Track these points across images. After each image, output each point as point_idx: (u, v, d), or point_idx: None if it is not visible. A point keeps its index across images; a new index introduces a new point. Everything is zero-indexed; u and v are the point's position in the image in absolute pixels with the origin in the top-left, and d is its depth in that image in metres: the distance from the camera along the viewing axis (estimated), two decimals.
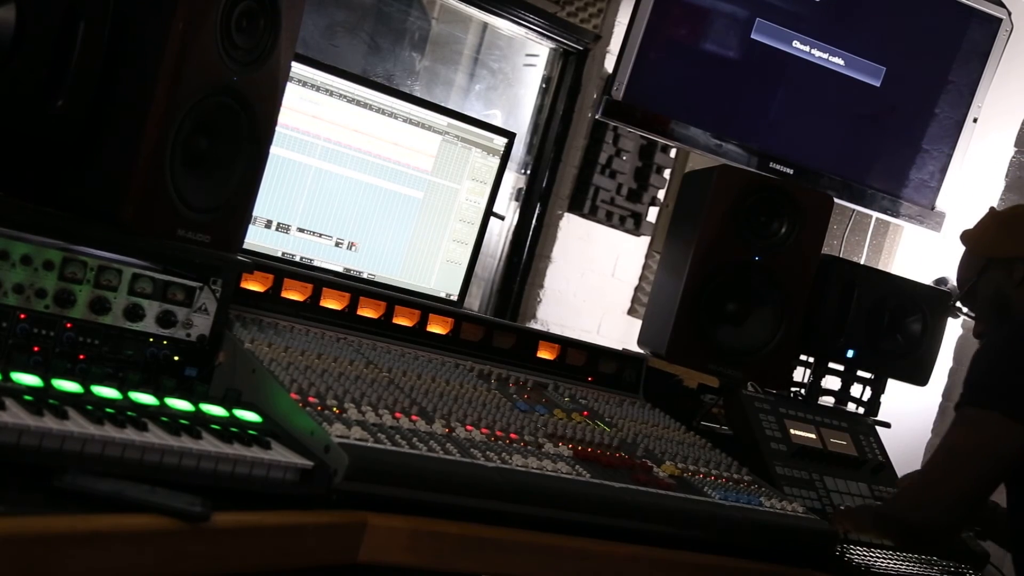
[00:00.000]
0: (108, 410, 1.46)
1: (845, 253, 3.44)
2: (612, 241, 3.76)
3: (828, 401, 2.92)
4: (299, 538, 1.52)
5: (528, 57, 3.72)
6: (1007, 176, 3.32)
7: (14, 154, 1.70)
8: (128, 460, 1.39)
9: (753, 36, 2.99)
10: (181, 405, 1.60)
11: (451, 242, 2.48)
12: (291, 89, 2.04)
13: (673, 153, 3.76)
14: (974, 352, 2.00)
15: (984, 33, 3.22)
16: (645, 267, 3.89)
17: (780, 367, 2.71)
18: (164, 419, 1.51)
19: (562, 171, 3.65)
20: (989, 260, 2.24)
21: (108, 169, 1.73)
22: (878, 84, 3.14)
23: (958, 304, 2.36)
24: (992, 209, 2.33)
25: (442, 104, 2.56)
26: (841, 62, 3.10)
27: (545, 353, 2.39)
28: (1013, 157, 3.33)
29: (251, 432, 1.58)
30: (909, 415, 3.17)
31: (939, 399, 3.28)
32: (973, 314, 2.31)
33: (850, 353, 2.83)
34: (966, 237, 2.31)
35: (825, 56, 3.08)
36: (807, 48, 3.06)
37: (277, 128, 1.93)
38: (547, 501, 1.78)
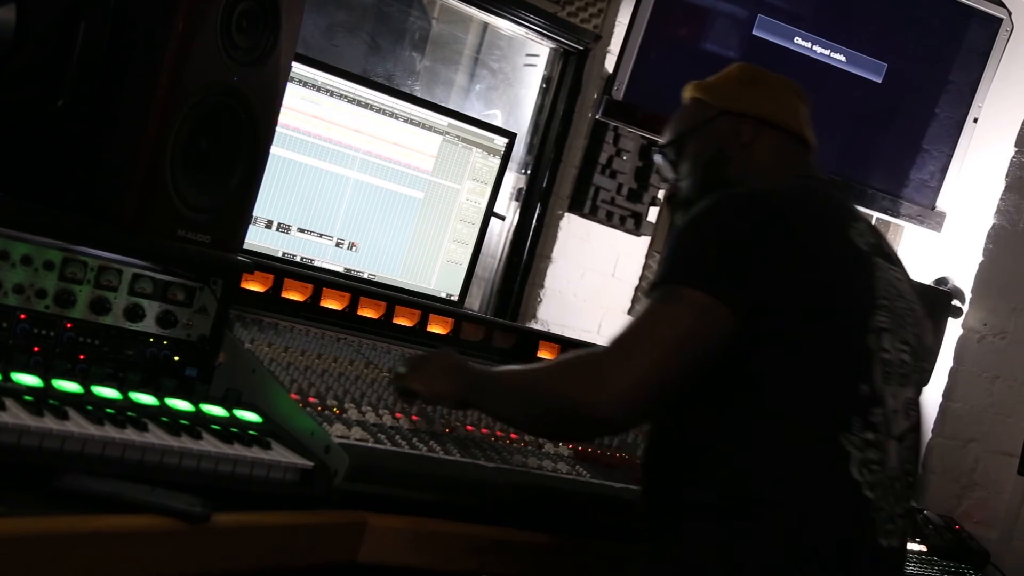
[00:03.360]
0: (108, 410, 1.46)
1: None
2: (612, 241, 3.76)
3: None
4: (299, 538, 1.52)
5: (528, 57, 3.72)
6: (1007, 176, 3.32)
7: (14, 154, 1.70)
8: (128, 460, 1.39)
9: (755, 32, 2.99)
10: (181, 405, 1.60)
11: (451, 242, 2.48)
12: (291, 89, 2.04)
13: None
14: (676, 227, 1.67)
15: (984, 33, 3.22)
16: (645, 267, 3.89)
17: None
18: (164, 419, 1.51)
19: (562, 171, 3.65)
20: (722, 112, 1.86)
21: (108, 169, 1.73)
22: (879, 80, 3.14)
23: (658, 153, 1.95)
24: (741, 64, 1.99)
25: (442, 104, 2.56)
26: (843, 58, 3.10)
27: (545, 353, 2.39)
28: (1013, 157, 3.33)
29: (251, 432, 1.58)
30: None
31: (939, 399, 3.28)
32: (670, 172, 1.93)
33: None
34: (700, 85, 1.95)
35: (827, 52, 3.08)
36: (808, 44, 3.06)
37: (277, 128, 1.93)
38: (547, 501, 1.78)
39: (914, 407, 1.68)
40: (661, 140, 1.96)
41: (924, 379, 1.73)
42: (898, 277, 1.72)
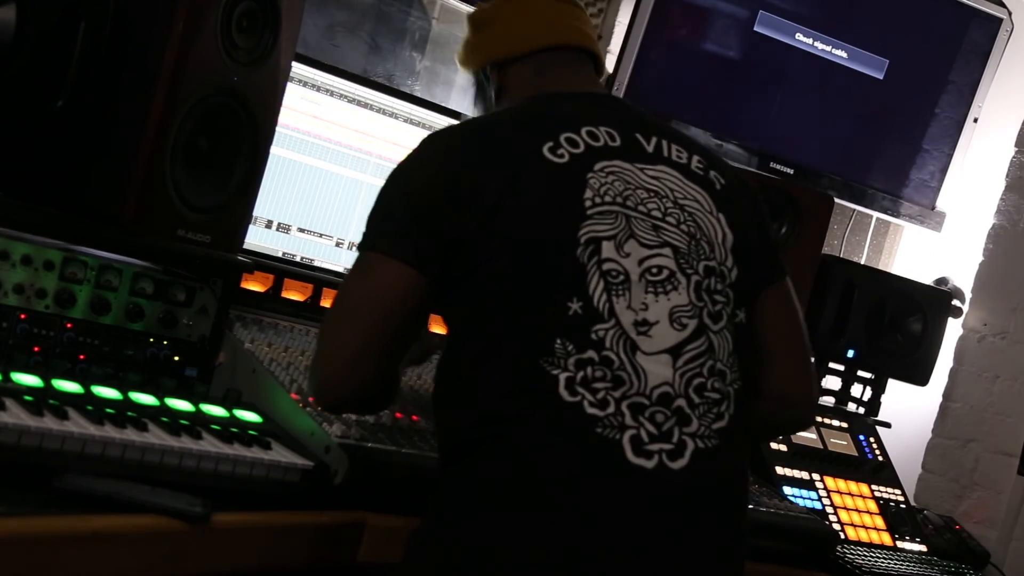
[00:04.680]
0: (108, 410, 1.46)
1: (845, 253, 3.43)
2: None
3: (828, 401, 2.92)
4: (299, 538, 1.52)
5: None
6: (1007, 176, 3.32)
7: (14, 154, 1.70)
8: (128, 461, 1.39)
9: (756, 28, 2.99)
10: (181, 405, 1.60)
11: None
12: (291, 89, 2.04)
13: None
14: None
15: (985, 33, 3.22)
16: None
17: None
18: (164, 419, 1.51)
19: None
20: (474, 73, 1.81)
21: (108, 169, 1.73)
22: (881, 77, 3.13)
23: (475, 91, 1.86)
24: (470, 13, 1.86)
25: (443, 104, 2.55)
26: (844, 55, 3.10)
27: None
28: (1013, 157, 3.33)
29: (251, 432, 1.58)
30: (909, 415, 3.17)
31: (939, 399, 3.28)
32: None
33: (850, 353, 2.83)
34: (457, 56, 1.86)
35: (828, 48, 3.08)
36: (810, 40, 3.06)
37: (277, 128, 1.93)
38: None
39: (693, 315, 1.52)
40: None
41: (727, 283, 1.58)
42: (661, 173, 1.60)
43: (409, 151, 1.59)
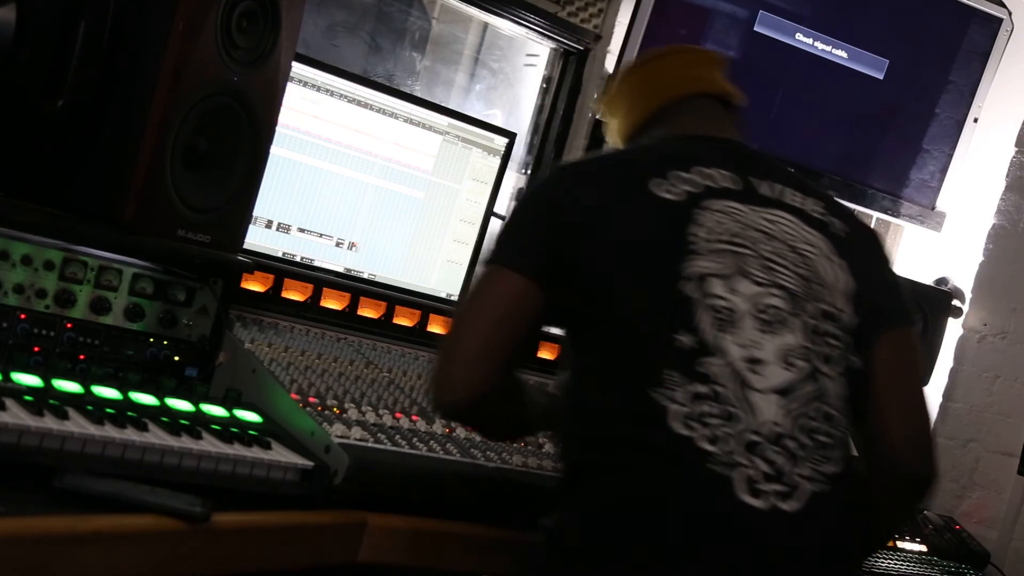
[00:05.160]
0: (108, 410, 1.46)
1: None
2: None
3: None
4: (299, 538, 1.52)
5: (528, 57, 3.72)
6: (1007, 176, 3.32)
7: (14, 154, 1.71)
8: (128, 460, 1.39)
9: (756, 29, 2.99)
10: (181, 405, 1.60)
11: (452, 242, 2.48)
12: (291, 89, 2.04)
13: None
14: None
15: (985, 33, 3.22)
16: None
17: None
18: (164, 419, 1.51)
19: None
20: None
21: (108, 169, 1.73)
22: (881, 77, 3.13)
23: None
24: (615, 75, 1.92)
25: (443, 104, 2.55)
26: (844, 55, 3.10)
27: (545, 353, 2.39)
28: (1013, 157, 3.33)
29: (251, 432, 1.58)
30: None
31: (939, 399, 3.28)
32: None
33: None
34: (601, 102, 1.94)
35: (828, 48, 3.08)
36: (810, 40, 3.06)
37: (277, 128, 1.93)
38: (547, 501, 1.78)
39: (804, 357, 1.51)
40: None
41: (843, 327, 1.56)
42: (775, 218, 1.61)
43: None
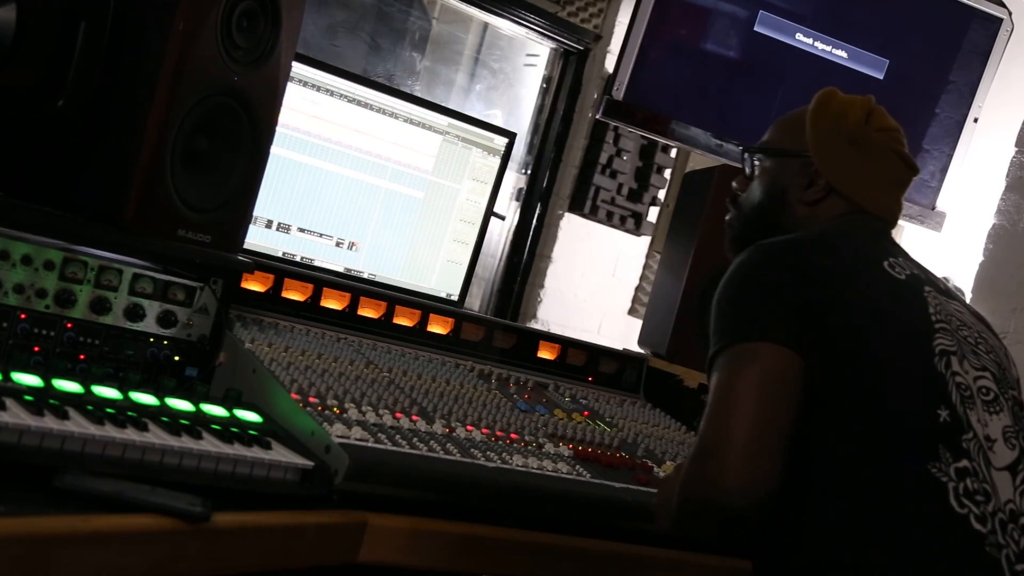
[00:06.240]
0: (109, 410, 1.46)
1: None
2: (612, 241, 3.76)
3: None
4: (299, 538, 1.52)
5: (528, 57, 3.72)
6: (1007, 176, 3.32)
7: (14, 154, 1.70)
8: (129, 460, 1.39)
9: (756, 28, 2.99)
10: (182, 405, 1.60)
11: (452, 242, 2.48)
12: (291, 89, 2.04)
13: (674, 153, 3.77)
14: (716, 295, 1.59)
15: (985, 33, 3.22)
16: (645, 267, 3.89)
17: None
18: (165, 419, 1.51)
19: (562, 171, 3.66)
20: (805, 155, 1.75)
21: (108, 169, 1.73)
22: (881, 77, 3.13)
23: (748, 156, 1.84)
24: (860, 112, 1.82)
25: (443, 104, 2.56)
26: (844, 55, 3.10)
27: (546, 353, 2.39)
28: (1013, 157, 3.33)
29: (251, 432, 1.58)
30: None
31: None
32: (744, 174, 1.85)
33: None
34: (816, 112, 1.78)
35: (828, 48, 3.08)
36: (810, 40, 3.06)
37: (277, 128, 1.93)
38: (547, 501, 1.78)
39: (1016, 436, 1.55)
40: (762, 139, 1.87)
41: (1021, 410, 1.61)
42: (958, 309, 1.66)
43: (747, 255, 1.58)
